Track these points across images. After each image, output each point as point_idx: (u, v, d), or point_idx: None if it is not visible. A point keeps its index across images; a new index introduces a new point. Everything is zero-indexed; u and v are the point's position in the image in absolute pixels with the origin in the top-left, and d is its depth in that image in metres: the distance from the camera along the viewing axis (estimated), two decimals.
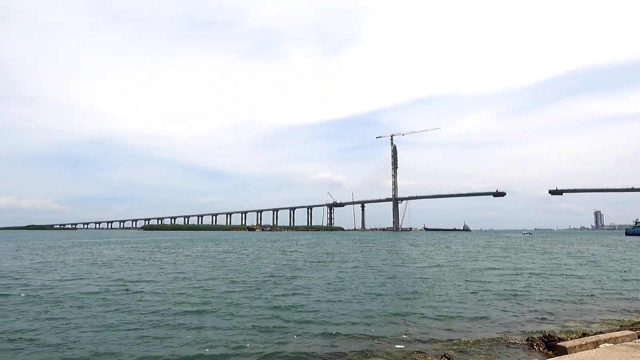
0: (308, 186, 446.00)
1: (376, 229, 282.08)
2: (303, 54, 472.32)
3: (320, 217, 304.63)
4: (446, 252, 42.04)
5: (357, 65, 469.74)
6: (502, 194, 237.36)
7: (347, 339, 9.51)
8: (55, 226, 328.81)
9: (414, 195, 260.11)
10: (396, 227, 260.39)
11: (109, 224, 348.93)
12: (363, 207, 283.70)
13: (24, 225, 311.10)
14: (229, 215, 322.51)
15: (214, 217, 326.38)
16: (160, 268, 24.85)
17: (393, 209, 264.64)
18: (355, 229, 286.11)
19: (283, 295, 15.17)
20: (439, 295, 15.38)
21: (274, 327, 10.37)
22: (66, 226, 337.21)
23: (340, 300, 14.09)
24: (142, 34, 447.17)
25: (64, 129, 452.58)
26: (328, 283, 18.28)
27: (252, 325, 10.56)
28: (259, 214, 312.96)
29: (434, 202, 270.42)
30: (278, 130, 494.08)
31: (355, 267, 25.82)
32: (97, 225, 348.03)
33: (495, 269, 24.68)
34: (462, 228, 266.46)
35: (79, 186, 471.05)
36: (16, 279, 19.49)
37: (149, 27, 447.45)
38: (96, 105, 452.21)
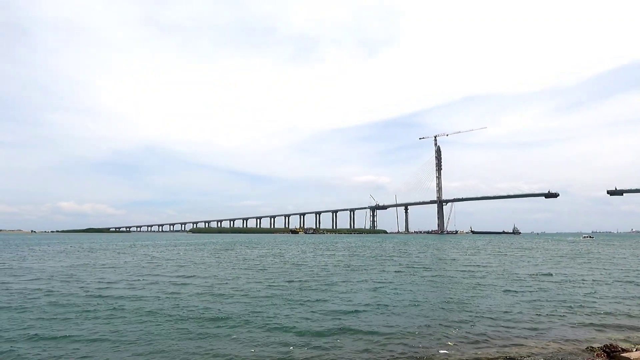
0: (350, 189, 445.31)
1: (420, 232, 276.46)
2: (342, 57, 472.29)
3: (362, 220, 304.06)
4: (496, 256, 40.32)
5: (397, 67, 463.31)
6: (555, 195, 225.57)
7: (391, 344, 9.26)
8: (111, 229, 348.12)
9: (460, 197, 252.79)
10: (441, 230, 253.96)
11: (160, 227, 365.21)
12: (406, 209, 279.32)
13: (84, 228, 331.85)
14: (272, 219, 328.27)
15: (258, 220, 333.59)
16: (206, 269, 25.56)
17: (438, 211, 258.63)
18: (398, 232, 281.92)
19: (325, 300, 15.07)
20: (490, 302, 14.67)
21: (316, 332, 10.22)
22: (121, 229, 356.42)
23: (383, 304, 13.78)
24: (187, 44, 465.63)
25: (118, 138, 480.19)
26: (370, 287, 18.01)
27: (296, 331, 10.54)
28: (302, 217, 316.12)
29: (481, 204, 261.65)
30: (319, 134, 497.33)
31: (398, 271, 25.30)
32: (149, 228, 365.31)
33: (552, 274, 23.27)
34: (511, 231, 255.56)
35: (131, 191, 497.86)
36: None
37: (194, 37, 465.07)
38: (146, 115, 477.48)
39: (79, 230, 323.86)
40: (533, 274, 23.13)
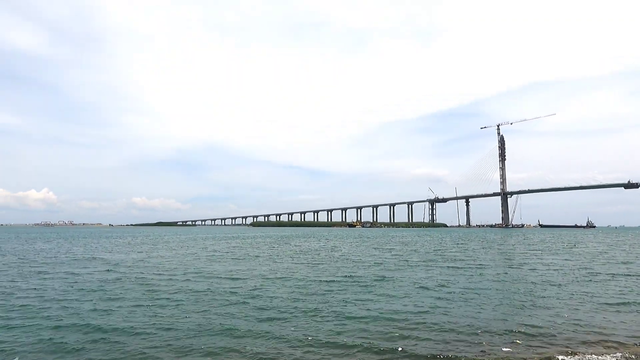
0: (408, 182, 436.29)
1: (482, 226, 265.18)
2: (396, 49, 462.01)
3: (421, 214, 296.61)
4: (570, 252, 37.86)
5: (454, 55, 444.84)
6: (636, 185, 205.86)
7: (454, 340, 9.19)
8: (178, 223, 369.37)
9: (525, 189, 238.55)
10: (506, 224, 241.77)
11: (222, 221, 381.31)
12: (467, 202, 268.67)
13: (155, 222, 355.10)
14: (329, 212, 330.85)
15: (316, 213, 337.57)
16: (275, 262, 26.53)
17: (502, 204, 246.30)
18: (459, 226, 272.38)
19: (382, 295, 15.13)
20: (561, 302, 13.98)
21: (376, 331, 10.25)
22: (187, 223, 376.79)
23: (445, 299, 13.63)
24: (244, 43, 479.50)
25: (181, 137, 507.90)
26: (431, 283, 17.78)
27: (355, 326, 10.75)
28: (359, 210, 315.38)
29: (549, 196, 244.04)
30: (376, 127, 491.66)
31: (458, 267, 24.63)
32: (212, 222, 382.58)
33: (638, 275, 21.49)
34: (584, 224, 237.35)
35: (195, 187, 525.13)
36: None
37: (250, 36, 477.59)
38: (206, 113, 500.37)
39: (150, 224, 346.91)
40: (615, 274, 21.45)
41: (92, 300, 13.59)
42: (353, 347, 8.69)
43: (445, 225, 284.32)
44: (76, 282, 17.57)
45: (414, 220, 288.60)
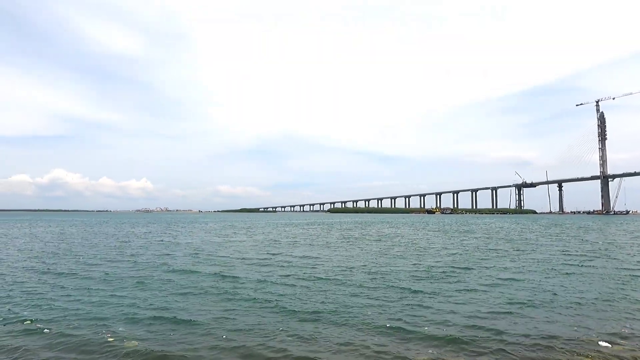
0: (491, 166, 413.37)
1: (578, 212, 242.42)
2: (472, 25, 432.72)
3: (506, 199, 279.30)
4: None
5: (539, 27, 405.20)
6: None
7: (551, 337, 8.84)
8: (260, 209, 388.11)
9: (631, 171, 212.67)
10: (606, 210, 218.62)
11: (301, 207, 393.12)
12: (560, 186, 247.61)
13: (238, 208, 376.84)
14: (407, 199, 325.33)
15: (393, 200, 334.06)
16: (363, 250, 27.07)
17: (601, 188, 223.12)
18: (550, 212, 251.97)
19: (470, 289, 14.81)
20: None
21: (465, 325, 10.13)
22: (268, 209, 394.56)
23: (540, 291, 12.99)
24: (314, 34, 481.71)
25: (261, 127, 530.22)
26: (521, 277, 16.98)
27: (450, 323, 10.76)
28: (438, 196, 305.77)
29: None
30: (455, 109, 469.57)
31: (545, 258, 23.05)
32: (292, 208, 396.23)
33: None
34: None
35: (275, 174, 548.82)
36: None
37: (321, 28, 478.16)
38: (283, 103, 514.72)
39: (234, 210, 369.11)
40: None
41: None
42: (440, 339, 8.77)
43: (535, 212, 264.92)
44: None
45: (498, 206, 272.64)
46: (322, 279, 15.36)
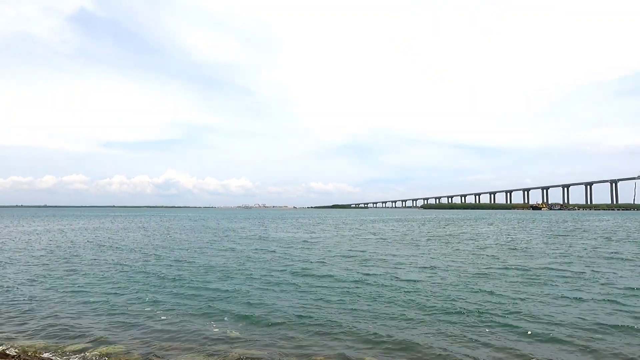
0: (610, 156, 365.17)
1: None
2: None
3: (629, 194, 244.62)
4: None
5: None
6: None
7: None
8: (352, 205, 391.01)
9: None
10: None
11: (393, 203, 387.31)
12: None
13: (330, 204, 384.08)
14: (508, 193, 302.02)
15: (492, 195, 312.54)
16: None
17: None
18: None
19: (576, 298, 13.29)
20: None
21: (567, 334, 9.22)
22: (359, 205, 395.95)
23: None
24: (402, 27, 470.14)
25: (353, 124, 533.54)
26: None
27: (555, 322, 9.82)
28: (545, 191, 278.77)
29: None
30: (564, 94, 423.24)
31: None
32: (383, 204, 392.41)
33: None
34: None
35: (366, 170, 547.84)
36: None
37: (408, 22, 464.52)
38: (375, 99, 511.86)
39: (327, 207, 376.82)
40: None
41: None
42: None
43: None
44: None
45: (619, 202, 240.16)
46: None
